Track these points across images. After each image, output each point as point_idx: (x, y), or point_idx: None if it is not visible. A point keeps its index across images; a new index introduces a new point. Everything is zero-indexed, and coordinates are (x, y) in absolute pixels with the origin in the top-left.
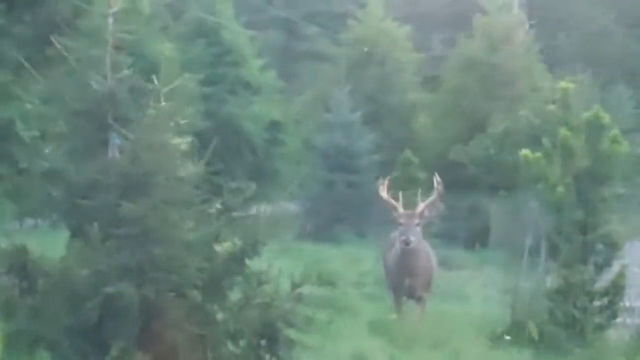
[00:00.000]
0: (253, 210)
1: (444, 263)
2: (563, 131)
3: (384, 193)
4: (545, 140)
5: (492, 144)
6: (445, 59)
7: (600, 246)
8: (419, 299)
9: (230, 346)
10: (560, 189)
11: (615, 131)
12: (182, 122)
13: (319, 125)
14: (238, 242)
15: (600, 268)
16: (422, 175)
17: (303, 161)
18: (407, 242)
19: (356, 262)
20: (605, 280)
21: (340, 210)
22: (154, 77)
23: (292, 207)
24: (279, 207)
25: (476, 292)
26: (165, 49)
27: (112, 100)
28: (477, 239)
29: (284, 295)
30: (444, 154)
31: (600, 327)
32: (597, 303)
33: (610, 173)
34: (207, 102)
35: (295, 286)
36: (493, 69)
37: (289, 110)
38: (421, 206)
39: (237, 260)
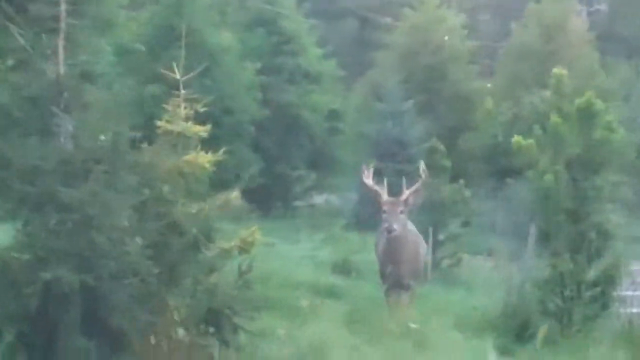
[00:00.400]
0: (318, 199)
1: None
2: (553, 118)
3: (368, 180)
4: (536, 127)
5: (500, 131)
6: (500, 48)
7: (592, 235)
8: (407, 288)
9: (181, 332)
10: (549, 176)
11: (609, 118)
12: (201, 110)
13: (372, 114)
14: (194, 231)
15: (592, 258)
16: (447, 163)
17: (358, 150)
18: (390, 230)
19: None
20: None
21: None
22: (174, 65)
23: (353, 196)
24: (341, 196)
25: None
26: (224, 38)
27: (60, 87)
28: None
29: (231, 282)
30: (497, 142)
31: (590, 318)
32: (589, 293)
33: (603, 161)
34: (265, 91)
35: (242, 273)
36: (547, 57)
37: (351, 99)
38: (406, 193)
39: (192, 248)
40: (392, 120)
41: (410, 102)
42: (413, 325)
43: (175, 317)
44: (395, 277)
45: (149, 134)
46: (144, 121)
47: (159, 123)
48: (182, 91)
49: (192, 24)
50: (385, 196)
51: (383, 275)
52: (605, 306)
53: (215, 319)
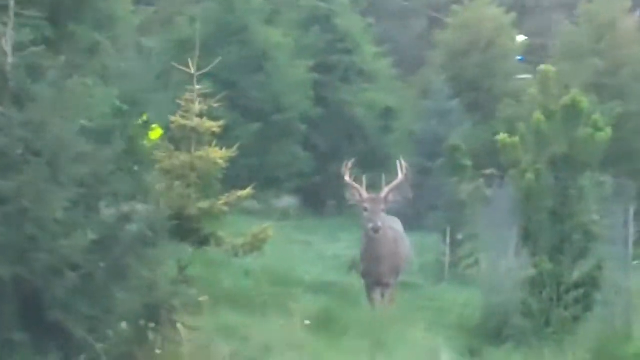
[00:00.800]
0: None
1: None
2: (537, 116)
3: (347, 176)
4: (522, 125)
5: (501, 129)
6: (549, 46)
7: (576, 236)
8: (387, 285)
9: (124, 327)
10: (529, 175)
11: (596, 117)
12: (216, 105)
13: (419, 113)
14: (142, 226)
15: (576, 259)
16: (468, 162)
17: (408, 149)
18: (376, 230)
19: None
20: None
21: (434, 199)
22: (189, 60)
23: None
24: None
25: None
26: (276, 35)
27: (5, 78)
28: None
29: (169, 278)
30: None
31: (568, 320)
32: (571, 295)
33: (588, 160)
34: (319, 89)
35: (181, 269)
36: (596, 57)
37: (407, 98)
38: (385, 190)
39: (141, 243)
40: (437, 119)
41: (456, 100)
42: (307, 322)
43: (120, 311)
44: (375, 274)
45: None
46: None
47: (172, 118)
48: (197, 86)
49: (245, 21)
50: (365, 194)
51: (363, 274)
52: (587, 308)
53: (153, 314)
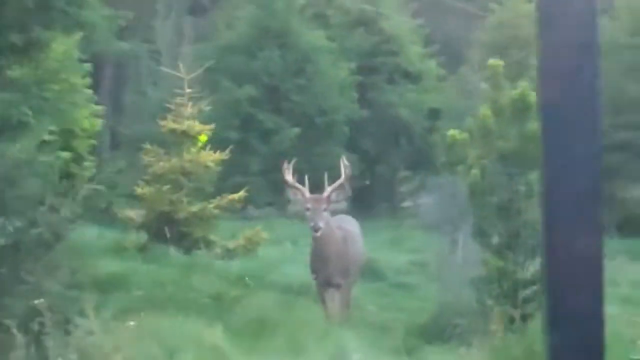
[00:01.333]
0: (427, 199)
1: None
2: (483, 110)
3: (289, 177)
4: (469, 121)
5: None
6: None
7: (526, 233)
8: (337, 286)
9: (15, 331)
10: (474, 171)
11: None
12: (206, 108)
13: (458, 112)
14: (44, 230)
15: (527, 256)
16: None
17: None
18: (316, 229)
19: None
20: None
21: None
22: (179, 64)
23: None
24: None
25: None
26: (318, 37)
27: None
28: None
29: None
30: None
31: (516, 318)
32: (523, 293)
33: (536, 155)
34: (364, 90)
35: (73, 272)
36: (634, 51)
37: (451, 97)
38: (328, 190)
39: (42, 246)
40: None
41: None
42: (131, 323)
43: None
44: (323, 275)
45: (245, 135)
46: (240, 122)
47: (161, 122)
48: (187, 90)
49: (286, 24)
50: (307, 194)
51: (312, 273)
52: (540, 306)
53: (44, 319)
